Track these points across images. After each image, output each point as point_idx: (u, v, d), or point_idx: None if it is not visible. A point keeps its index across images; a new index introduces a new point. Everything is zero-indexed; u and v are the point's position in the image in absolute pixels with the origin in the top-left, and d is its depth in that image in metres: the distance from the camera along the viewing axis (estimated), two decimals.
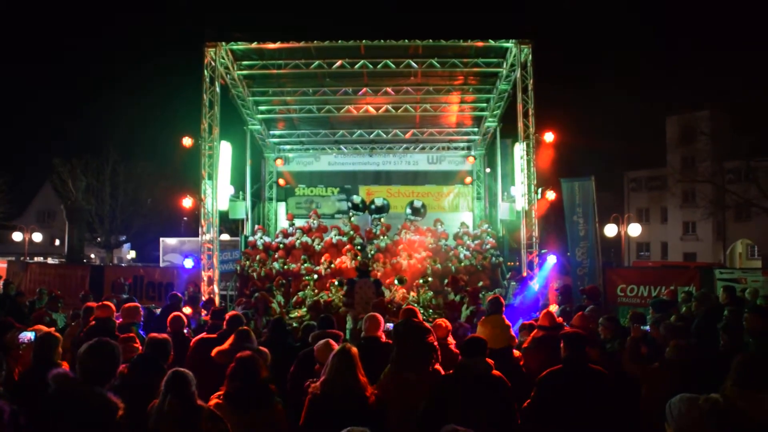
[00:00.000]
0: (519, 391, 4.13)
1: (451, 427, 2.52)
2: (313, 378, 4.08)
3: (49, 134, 52.50)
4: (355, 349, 3.84)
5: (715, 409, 2.71)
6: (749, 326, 5.46)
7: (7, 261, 18.84)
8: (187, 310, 9.02)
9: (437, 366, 4.36)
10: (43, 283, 13.99)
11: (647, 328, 6.08)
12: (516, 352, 5.83)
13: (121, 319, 6.33)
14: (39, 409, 2.68)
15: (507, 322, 6.13)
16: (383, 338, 5.09)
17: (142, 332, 6.62)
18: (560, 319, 6.74)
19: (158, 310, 9.35)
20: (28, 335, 4.79)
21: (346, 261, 13.46)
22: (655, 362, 4.75)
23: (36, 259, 30.72)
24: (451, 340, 5.73)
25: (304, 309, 11.73)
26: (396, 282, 12.24)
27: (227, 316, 5.92)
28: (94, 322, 6.00)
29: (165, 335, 4.57)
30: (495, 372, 3.99)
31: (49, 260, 32.79)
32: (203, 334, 6.00)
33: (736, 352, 4.16)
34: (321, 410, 3.64)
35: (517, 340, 6.30)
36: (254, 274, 13.62)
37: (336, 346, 4.13)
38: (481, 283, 12.92)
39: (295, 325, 9.92)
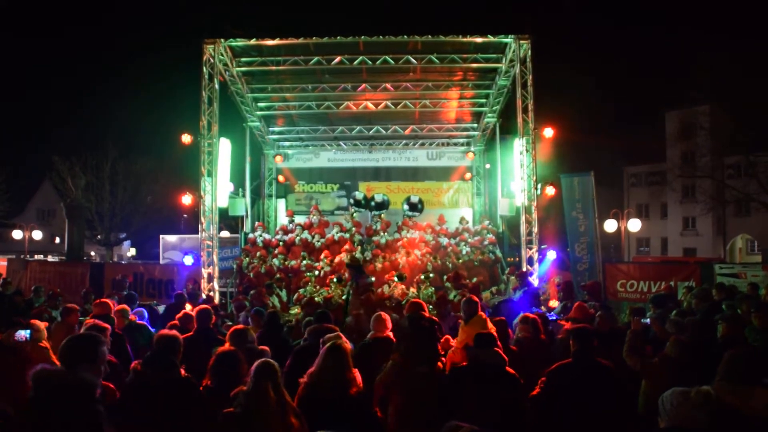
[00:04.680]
0: None
1: (453, 423, 2.47)
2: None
3: (48, 132, 52.41)
4: (347, 346, 3.96)
5: (707, 401, 2.70)
6: (759, 324, 5.45)
7: (7, 259, 18.83)
8: (188, 307, 9.02)
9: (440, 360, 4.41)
10: (44, 281, 13.94)
11: (647, 321, 6.07)
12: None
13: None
14: (27, 404, 2.71)
15: (487, 320, 6.04)
16: (393, 338, 5.07)
17: (152, 328, 6.68)
18: (592, 311, 6.71)
19: (160, 308, 9.34)
20: (22, 333, 4.78)
21: (345, 258, 13.44)
22: (655, 357, 4.74)
23: (36, 257, 30.76)
24: None
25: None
26: (395, 279, 12.22)
27: (194, 312, 5.90)
28: (92, 321, 5.99)
29: (174, 332, 4.55)
30: (509, 369, 4.02)
31: (49, 258, 32.81)
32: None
33: (735, 345, 4.15)
34: (308, 399, 3.77)
35: (514, 336, 6.21)
36: (252, 272, 13.60)
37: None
38: (475, 279, 12.94)
39: (293, 321, 9.89)
